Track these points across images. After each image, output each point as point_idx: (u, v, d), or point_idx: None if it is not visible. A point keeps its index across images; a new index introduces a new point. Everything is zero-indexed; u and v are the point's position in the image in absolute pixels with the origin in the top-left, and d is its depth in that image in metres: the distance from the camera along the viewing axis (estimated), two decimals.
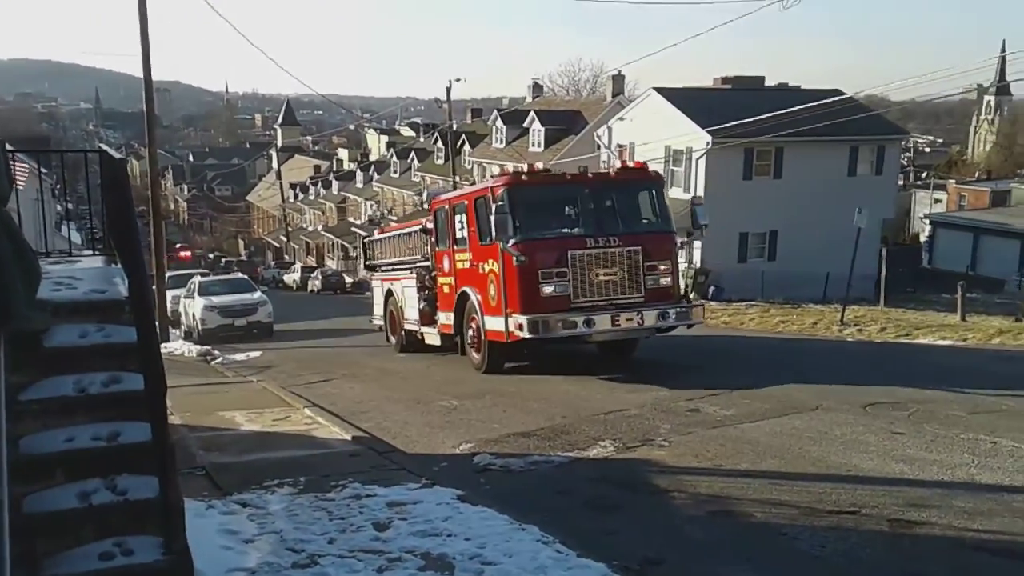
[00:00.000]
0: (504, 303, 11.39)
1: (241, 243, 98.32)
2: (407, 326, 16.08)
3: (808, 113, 25.62)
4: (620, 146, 34.96)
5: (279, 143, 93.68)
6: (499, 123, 51.50)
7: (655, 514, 6.01)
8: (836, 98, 26.51)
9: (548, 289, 11.17)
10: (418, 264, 15.41)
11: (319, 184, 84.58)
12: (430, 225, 14.71)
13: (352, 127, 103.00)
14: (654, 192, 12.44)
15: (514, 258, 11.22)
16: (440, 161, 57.27)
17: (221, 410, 10.30)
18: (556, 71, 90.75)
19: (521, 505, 6.06)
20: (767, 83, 39.94)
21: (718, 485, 6.51)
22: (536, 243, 11.34)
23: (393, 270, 17.34)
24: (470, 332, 12.85)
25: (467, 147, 54.46)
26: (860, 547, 5.16)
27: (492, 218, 11.43)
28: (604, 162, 33.21)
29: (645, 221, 12.21)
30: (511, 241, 11.27)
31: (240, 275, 29.60)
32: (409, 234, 16.43)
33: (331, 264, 72.68)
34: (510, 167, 32.08)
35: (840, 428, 8.03)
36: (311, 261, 76.89)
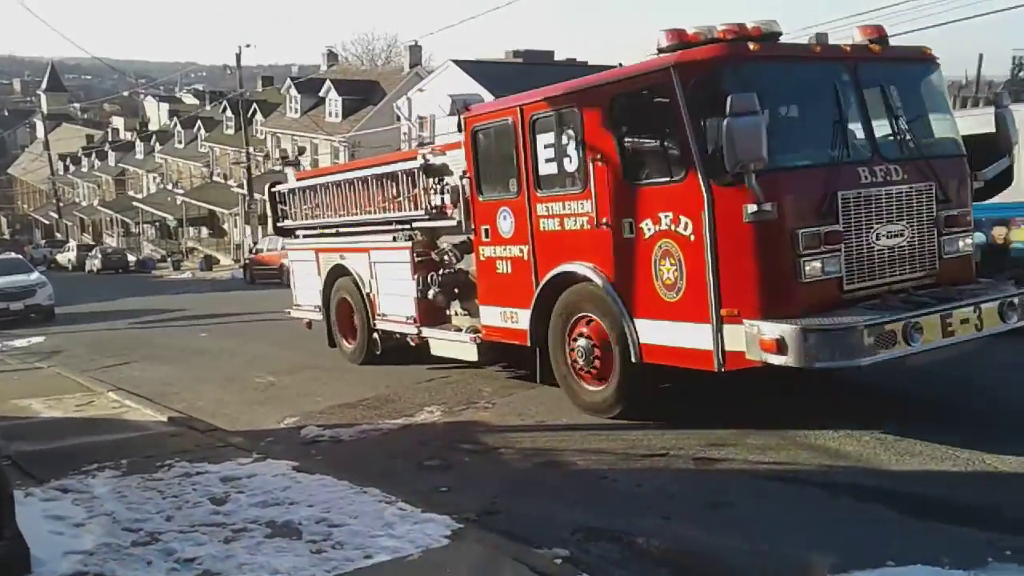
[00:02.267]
0: (713, 295, 6.12)
1: (3, 220, 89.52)
2: (385, 323, 10.05)
3: None
4: (420, 117, 35.08)
5: (44, 110, 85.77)
6: (293, 92, 50.15)
7: (486, 470, 6.36)
8: None
9: (814, 266, 6.00)
10: (414, 224, 9.48)
11: (93, 155, 78.58)
12: (455, 160, 8.74)
13: (127, 94, 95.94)
14: (937, 86, 7.23)
15: (752, 208, 5.86)
16: (231, 131, 54.92)
17: (14, 398, 9.61)
18: (350, 40, 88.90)
19: (357, 471, 6.20)
20: (556, 57, 41.40)
21: (542, 440, 6.97)
22: (788, 177, 6.09)
23: (349, 234, 10.85)
24: (580, 346, 7.31)
25: (259, 116, 52.60)
26: (671, 483, 5.75)
27: (692, 128, 6.07)
28: (405, 134, 33.22)
29: (930, 138, 6.96)
30: (753, 175, 5.76)
31: (14, 255, 27.22)
32: (388, 176, 9.84)
33: (111, 242, 68.00)
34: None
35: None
36: (87, 239, 71.51)
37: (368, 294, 10.28)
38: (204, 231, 59.11)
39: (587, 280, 7.20)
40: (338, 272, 10.94)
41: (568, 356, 7.51)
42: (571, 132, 7.20)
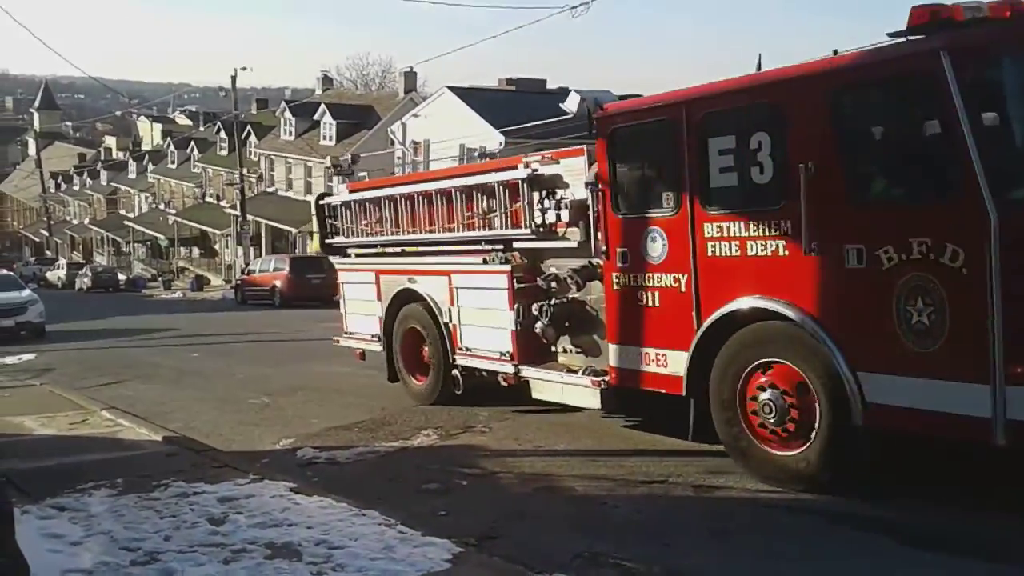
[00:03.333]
0: (996, 347, 4.79)
1: None
2: (468, 359, 8.63)
3: None
4: (415, 143, 35.25)
5: (36, 128, 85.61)
6: (288, 114, 50.27)
7: (485, 494, 6.33)
8: None
9: None
10: (515, 245, 8.13)
11: (85, 174, 78.49)
12: (571, 170, 7.50)
13: (119, 113, 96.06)
14: None
15: None
16: (224, 152, 55.01)
17: (6, 416, 9.53)
18: (344, 64, 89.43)
19: (355, 493, 6.15)
20: (548, 86, 41.68)
21: (540, 464, 6.95)
22: None
23: (422, 255, 9.42)
24: (767, 400, 5.87)
25: (253, 138, 52.67)
26: (671, 510, 5.74)
27: (971, 130, 4.83)
28: (399, 159, 33.36)
29: None
30: None
31: (5, 272, 27.09)
32: (478, 189, 8.45)
33: (101, 260, 67.71)
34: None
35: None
36: (77, 257, 71.26)
37: (447, 324, 8.83)
38: (195, 251, 58.98)
39: (780, 318, 5.77)
40: (406, 298, 9.50)
41: (743, 411, 6.07)
42: (765, 134, 5.81)
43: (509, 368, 8.06)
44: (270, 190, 50.47)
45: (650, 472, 6.50)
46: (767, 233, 5.86)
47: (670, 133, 6.48)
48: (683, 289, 6.44)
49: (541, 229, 7.67)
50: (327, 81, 57.37)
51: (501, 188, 8.09)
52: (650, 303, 6.70)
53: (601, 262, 7.14)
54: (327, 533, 5.19)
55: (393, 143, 37.32)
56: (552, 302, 7.64)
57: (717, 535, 5.26)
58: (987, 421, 4.80)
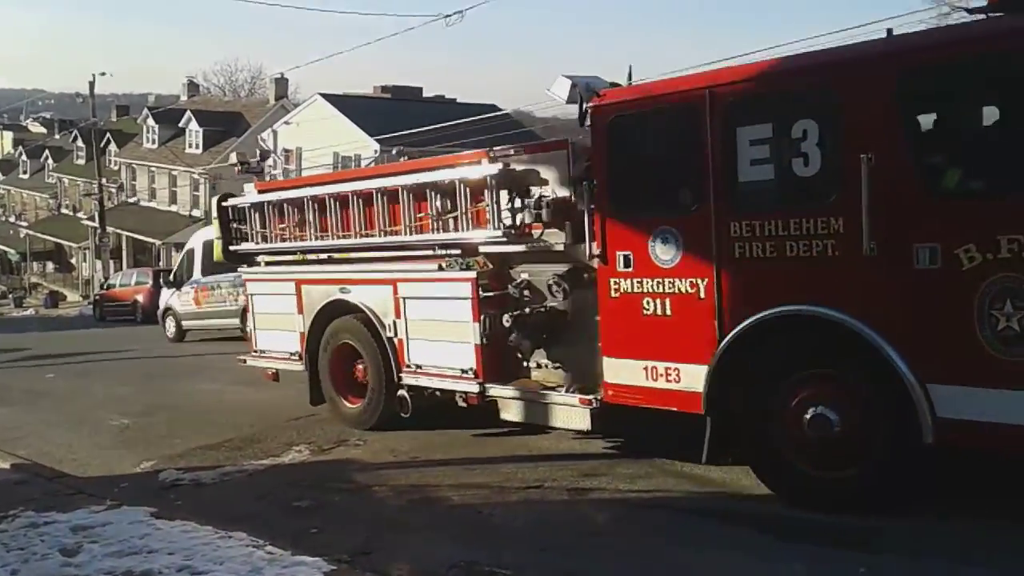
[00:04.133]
0: None
1: None
2: (419, 378, 7.73)
3: (470, 126, 27.21)
4: (287, 151, 34.43)
5: None
6: (151, 122, 48.29)
7: (359, 509, 6.19)
8: (493, 113, 28.47)
9: None
10: (481, 249, 7.31)
11: None
12: (552, 163, 6.79)
13: None
14: None
15: None
16: (81, 161, 52.32)
17: None
18: (212, 70, 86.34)
19: (221, 515, 5.91)
20: (424, 94, 41.66)
21: (416, 476, 6.85)
22: None
23: (357, 261, 8.48)
24: (817, 419, 5.29)
25: (113, 147, 50.29)
26: (546, 515, 5.77)
27: None
28: (270, 167, 32.45)
29: None
30: None
31: None
32: (432, 187, 7.57)
33: None
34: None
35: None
36: None
37: (391, 339, 7.89)
38: (50, 266, 55.67)
39: (831, 325, 5.19)
40: (337, 310, 8.50)
41: (786, 431, 5.43)
42: (812, 122, 5.25)
43: (472, 387, 7.19)
44: (132, 200, 48.22)
45: (526, 478, 6.51)
46: (813, 232, 5.24)
47: (689, 122, 5.78)
48: (702, 295, 5.76)
49: (513, 231, 6.86)
50: (193, 87, 55.36)
51: (462, 186, 7.25)
52: (659, 312, 6.00)
53: (594, 266, 6.41)
54: (190, 558, 4.95)
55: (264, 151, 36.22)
56: (528, 312, 6.90)
57: (591, 537, 5.31)
58: None
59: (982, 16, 4.97)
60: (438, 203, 7.51)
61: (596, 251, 6.32)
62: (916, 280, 4.91)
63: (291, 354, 9.13)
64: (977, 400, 4.72)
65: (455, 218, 7.36)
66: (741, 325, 5.54)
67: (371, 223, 8.10)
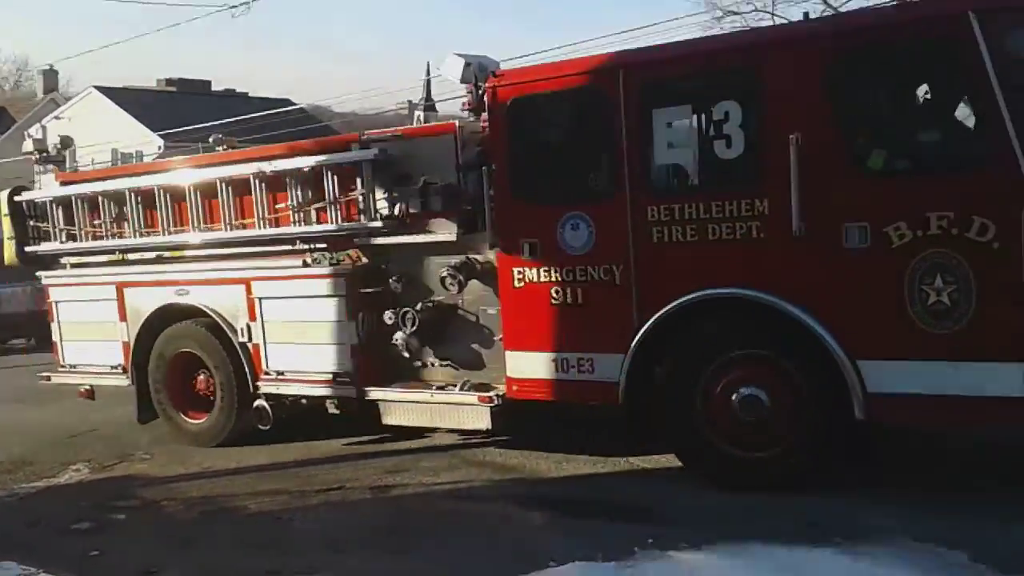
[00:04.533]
0: None
1: None
2: (279, 386, 7.15)
3: (262, 121, 26.26)
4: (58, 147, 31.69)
5: None
6: None
7: (147, 526, 5.83)
8: (288, 107, 27.63)
9: None
10: (357, 241, 6.83)
11: None
12: (437, 149, 6.44)
13: None
14: None
15: None
16: None
17: None
18: None
19: None
20: (214, 87, 39.73)
21: (208, 487, 6.54)
22: None
23: (194, 260, 7.75)
24: (740, 400, 5.34)
25: None
26: (348, 516, 5.68)
27: (1004, 95, 4.65)
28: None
29: None
30: None
31: None
32: (293, 176, 7.00)
33: None
34: None
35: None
36: None
37: (244, 344, 7.23)
38: None
39: (758, 307, 5.23)
40: (171, 315, 7.64)
41: (711, 414, 5.43)
42: (735, 104, 5.21)
43: (350, 392, 6.72)
44: None
45: (327, 480, 6.38)
46: (737, 214, 5.21)
47: (599, 104, 5.64)
48: (618, 282, 5.60)
49: (394, 221, 6.49)
50: None
51: (329, 173, 6.72)
52: (569, 300, 5.78)
53: (490, 257, 6.19)
54: None
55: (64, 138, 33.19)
56: (418, 308, 6.47)
57: (394, 534, 5.28)
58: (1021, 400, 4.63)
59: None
60: (299, 193, 6.93)
61: (495, 240, 6.06)
62: (846, 259, 4.95)
63: (112, 367, 8.04)
64: (907, 374, 4.85)
65: (322, 209, 6.83)
66: (662, 310, 5.45)
67: (214, 216, 7.40)
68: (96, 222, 8.18)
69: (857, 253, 4.92)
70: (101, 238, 8.16)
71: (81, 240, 8.30)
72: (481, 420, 6.23)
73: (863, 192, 4.94)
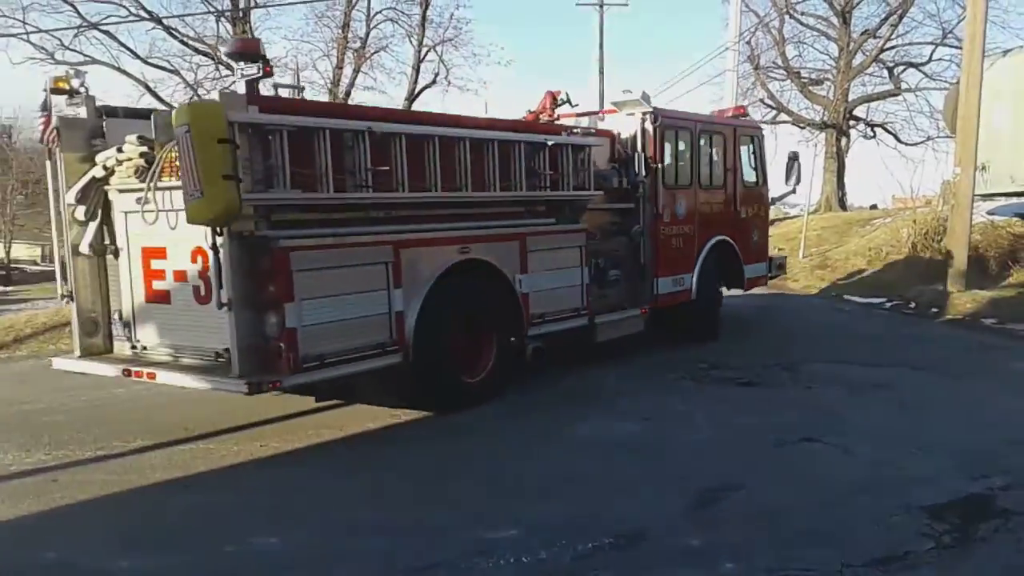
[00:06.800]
0: None
1: None
2: (543, 326, 8.23)
3: None
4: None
5: None
6: None
7: None
8: None
9: None
10: (589, 206, 9.03)
11: None
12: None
13: None
14: None
15: None
16: None
17: None
18: None
19: None
20: None
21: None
22: None
23: (465, 218, 7.71)
24: None
25: None
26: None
27: None
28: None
29: None
30: None
31: None
32: (537, 148, 8.19)
33: None
34: None
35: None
36: None
37: (523, 294, 7.91)
38: None
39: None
40: (454, 275, 7.32)
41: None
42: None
43: (584, 321, 8.87)
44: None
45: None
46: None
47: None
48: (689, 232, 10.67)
49: (619, 192, 9.71)
50: None
51: (567, 150, 8.59)
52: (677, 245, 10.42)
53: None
54: None
55: None
56: (614, 254, 9.72)
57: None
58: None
59: None
60: (544, 162, 8.31)
61: (657, 210, 10.05)
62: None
63: (383, 345, 6.78)
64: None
65: (551, 178, 8.40)
66: (706, 248, 10.75)
67: (483, 176, 7.61)
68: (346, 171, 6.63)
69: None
70: (361, 187, 6.67)
71: (322, 190, 6.41)
72: (639, 326, 9.72)
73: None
